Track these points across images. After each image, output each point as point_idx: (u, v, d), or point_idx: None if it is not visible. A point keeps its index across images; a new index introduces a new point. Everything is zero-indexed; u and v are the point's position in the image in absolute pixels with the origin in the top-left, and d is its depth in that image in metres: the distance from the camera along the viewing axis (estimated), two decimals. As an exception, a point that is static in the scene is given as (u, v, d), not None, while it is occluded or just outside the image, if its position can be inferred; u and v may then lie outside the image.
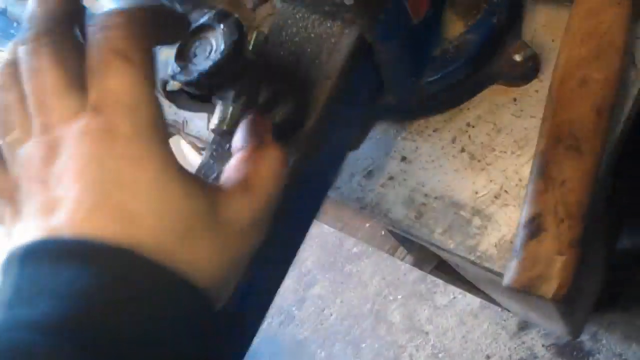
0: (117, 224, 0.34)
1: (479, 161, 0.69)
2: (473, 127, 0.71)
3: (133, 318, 0.32)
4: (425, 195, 0.70)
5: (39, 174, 0.35)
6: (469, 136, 0.70)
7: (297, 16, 0.60)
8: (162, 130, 0.38)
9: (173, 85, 0.49)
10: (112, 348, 0.31)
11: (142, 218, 0.35)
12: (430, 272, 1.40)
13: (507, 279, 0.61)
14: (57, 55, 0.37)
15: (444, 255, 0.80)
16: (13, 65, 0.38)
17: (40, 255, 0.33)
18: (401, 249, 1.44)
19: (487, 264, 0.66)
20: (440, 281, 1.92)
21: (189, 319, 0.35)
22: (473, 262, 0.67)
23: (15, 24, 0.98)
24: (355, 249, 2.09)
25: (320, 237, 2.13)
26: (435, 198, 0.70)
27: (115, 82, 0.36)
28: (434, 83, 0.68)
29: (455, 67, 0.67)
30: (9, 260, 0.34)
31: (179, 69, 0.48)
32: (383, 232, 1.47)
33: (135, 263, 0.34)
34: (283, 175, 0.44)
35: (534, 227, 0.61)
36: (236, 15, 0.49)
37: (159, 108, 0.38)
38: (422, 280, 1.98)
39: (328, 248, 2.13)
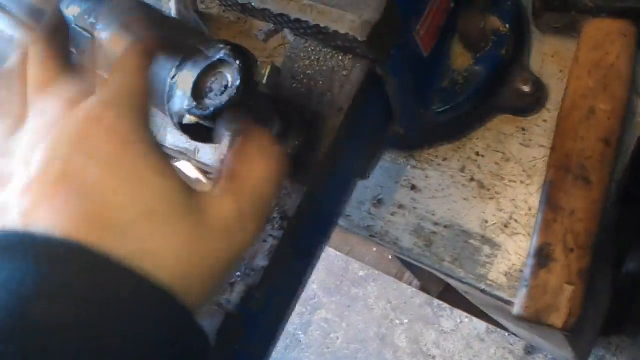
0: (74, 212, 0.32)
1: (488, 190, 0.70)
2: (482, 156, 0.71)
3: (64, 310, 0.29)
4: (435, 223, 0.71)
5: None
6: (478, 165, 0.71)
7: (309, 49, 0.61)
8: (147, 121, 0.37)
9: (189, 119, 0.50)
10: (39, 351, 0.28)
11: (103, 195, 0.32)
12: (438, 297, 1.40)
13: (517, 308, 0.62)
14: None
15: (453, 283, 0.81)
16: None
17: None
18: (408, 273, 1.44)
19: (497, 293, 0.67)
20: (446, 305, 1.92)
21: (136, 311, 0.31)
22: (483, 291, 0.68)
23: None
24: (361, 273, 2.09)
25: (326, 260, 2.13)
26: (445, 227, 0.70)
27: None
28: (443, 114, 0.69)
29: (464, 98, 0.68)
30: None
31: (194, 103, 0.49)
32: (390, 257, 1.47)
33: (76, 257, 0.31)
34: (278, 176, 0.41)
35: (544, 257, 0.61)
36: (250, 52, 0.50)
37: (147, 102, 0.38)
38: (428, 304, 1.97)
39: (334, 271, 2.13)
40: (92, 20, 0.63)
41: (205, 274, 0.35)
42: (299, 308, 2.10)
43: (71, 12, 0.65)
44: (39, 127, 0.36)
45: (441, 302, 1.91)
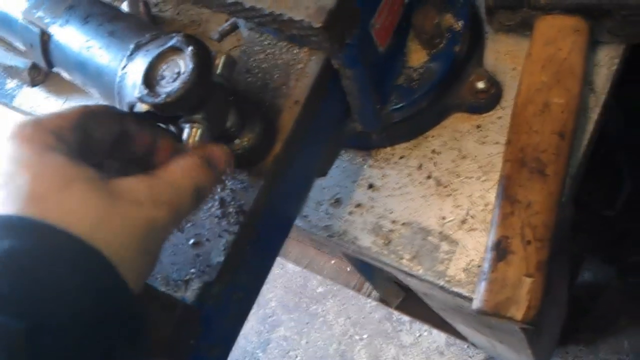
0: (5, 197, 0.40)
1: (445, 187, 0.70)
2: (438, 154, 0.71)
3: (5, 264, 0.36)
4: (393, 222, 0.70)
5: None
6: (435, 163, 0.71)
7: (264, 43, 0.61)
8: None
9: (140, 107, 0.48)
10: None
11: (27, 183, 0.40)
12: (396, 308, 1.40)
13: (477, 302, 0.61)
14: None
15: (412, 283, 0.80)
16: None
17: None
18: (367, 285, 1.44)
19: (456, 289, 0.66)
20: (405, 319, 1.91)
21: (62, 261, 0.38)
22: (442, 288, 0.67)
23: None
24: (320, 289, 2.08)
25: (284, 277, 2.11)
26: (403, 224, 0.70)
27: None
28: (399, 110, 0.69)
29: (419, 94, 0.68)
30: None
31: (146, 91, 0.48)
32: (349, 269, 1.46)
33: (7, 224, 0.38)
34: (195, 179, 0.47)
35: (502, 250, 0.61)
36: (202, 40, 0.49)
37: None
38: (387, 318, 1.97)
39: (292, 288, 2.11)
40: (40, 14, 0.62)
41: (121, 233, 0.41)
42: (257, 326, 2.07)
43: (19, 5, 0.63)
44: None
45: (400, 316, 1.90)
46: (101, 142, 0.46)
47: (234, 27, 0.77)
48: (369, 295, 1.49)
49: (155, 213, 0.43)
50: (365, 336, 1.99)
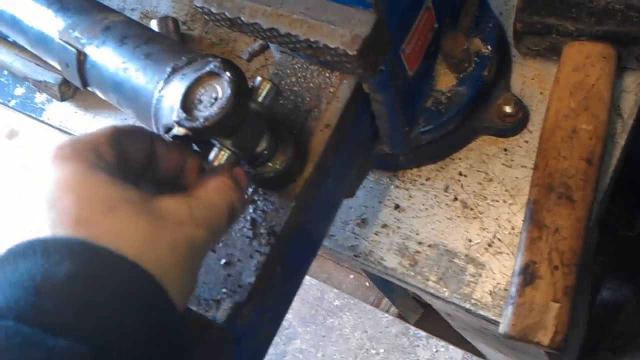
0: (55, 220, 0.41)
1: (471, 210, 0.70)
2: (465, 176, 0.72)
3: (65, 287, 0.37)
4: (419, 243, 0.71)
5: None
6: (462, 185, 0.72)
7: (296, 67, 0.62)
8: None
9: (178, 130, 0.49)
10: (47, 315, 0.36)
11: (73, 208, 0.41)
12: (415, 324, 1.40)
13: (503, 326, 0.62)
14: None
15: (437, 304, 0.80)
16: None
17: (8, 257, 0.39)
18: (385, 300, 1.44)
19: (482, 312, 0.67)
20: (422, 334, 1.91)
21: (117, 285, 0.39)
22: (468, 310, 0.68)
23: (5, 72, 0.98)
24: (336, 302, 2.07)
25: (301, 289, 2.10)
26: (429, 246, 0.70)
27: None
28: (426, 133, 0.69)
29: (447, 117, 0.69)
30: None
31: (184, 115, 0.49)
32: (367, 284, 1.46)
33: (59, 244, 0.39)
34: (229, 199, 0.48)
35: (529, 275, 0.62)
36: (238, 66, 0.50)
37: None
38: (404, 333, 1.96)
39: (309, 301, 2.11)
40: (76, 34, 0.63)
41: (166, 253, 0.42)
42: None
43: (56, 25, 0.64)
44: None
45: (417, 331, 1.89)
46: (135, 160, 0.48)
47: (264, 48, 0.78)
48: (387, 311, 1.49)
49: (196, 232, 0.44)
50: (381, 350, 1.99)
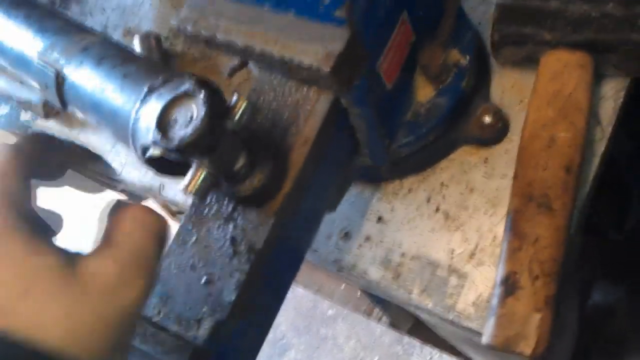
0: None
1: (453, 220, 0.71)
2: (447, 187, 0.72)
3: None
4: (402, 255, 0.71)
5: None
6: (443, 196, 0.72)
7: (274, 82, 0.62)
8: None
9: (153, 152, 0.49)
10: None
11: None
12: (407, 333, 1.40)
13: (486, 337, 0.62)
14: None
15: (422, 316, 0.81)
16: None
17: None
18: (377, 310, 1.44)
19: (465, 323, 0.67)
20: (416, 342, 1.91)
21: None
22: (451, 322, 0.68)
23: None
24: (330, 312, 2.07)
25: (294, 300, 2.11)
26: (412, 258, 0.70)
27: None
28: (407, 145, 0.70)
29: (427, 129, 0.69)
30: None
31: (159, 135, 0.49)
32: (359, 294, 1.46)
33: None
34: (151, 229, 0.44)
35: (510, 285, 0.62)
36: (215, 84, 0.51)
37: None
38: (397, 342, 1.96)
39: (302, 311, 2.11)
40: (55, 55, 0.63)
41: (95, 334, 0.37)
42: (267, 349, 2.08)
43: (35, 46, 0.64)
44: None
45: (410, 340, 1.89)
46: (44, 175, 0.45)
47: (244, 64, 0.78)
48: (379, 320, 1.49)
49: (129, 295, 0.40)
50: (375, 359, 1.99)
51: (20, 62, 0.67)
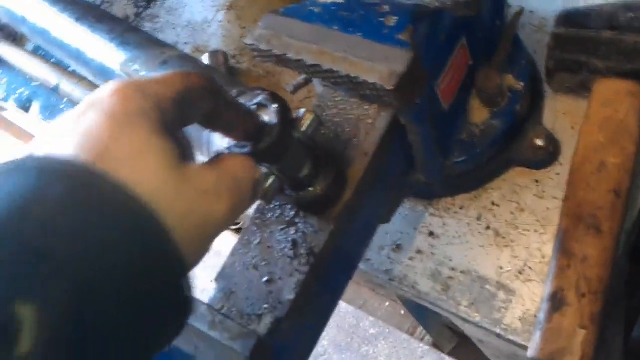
0: (77, 143, 0.38)
1: (503, 238, 0.73)
2: (497, 206, 0.75)
3: (58, 211, 0.34)
4: (452, 269, 0.74)
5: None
6: (494, 214, 0.75)
7: (337, 99, 0.66)
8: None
9: (228, 157, 0.53)
10: (34, 238, 0.33)
11: (105, 140, 0.39)
12: (449, 354, 1.41)
13: (532, 351, 0.64)
14: None
15: (468, 329, 0.83)
16: None
17: (2, 170, 0.37)
18: (420, 329, 1.46)
19: (512, 337, 0.69)
20: (456, 364, 1.91)
21: (120, 221, 0.36)
22: (498, 335, 0.70)
23: (64, 100, 1.05)
24: (372, 330, 2.09)
25: (338, 316, 2.13)
26: (462, 272, 0.73)
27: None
28: (461, 164, 0.73)
29: (480, 150, 0.72)
30: None
31: (234, 142, 0.53)
32: (403, 312, 1.48)
33: (73, 169, 0.37)
34: (250, 167, 0.48)
35: (557, 301, 0.64)
36: (284, 98, 0.55)
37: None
38: (439, 363, 1.96)
39: (345, 328, 2.13)
40: (136, 67, 0.69)
41: (181, 213, 0.40)
42: (309, 364, 2.09)
43: (117, 58, 0.70)
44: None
45: (451, 362, 1.90)
46: (191, 120, 0.46)
47: (307, 81, 0.83)
48: (422, 340, 1.50)
49: (216, 205, 0.43)
50: (415, 380, 1.99)
51: (102, 72, 0.73)
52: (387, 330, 2.05)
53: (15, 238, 0.33)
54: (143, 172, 0.39)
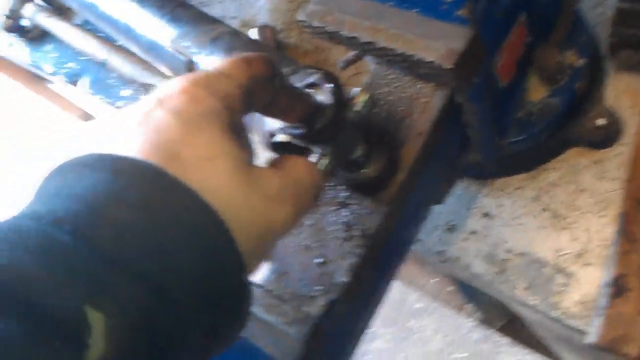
0: (148, 143, 0.38)
1: (561, 220, 0.71)
2: (556, 186, 0.73)
3: (133, 215, 0.35)
4: (508, 251, 0.72)
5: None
6: (551, 195, 0.72)
7: (390, 77, 0.64)
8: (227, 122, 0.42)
9: (281, 137, 0.53)
10: (108, 242, 0.33)
11: (180, 144, 0.38)
12: (499, 330, 1.39)
13: (592, 337, 0.62)
14: None
15: (523, 312, 0.81)
16: None
17: (72, 166, 0.37)
18: (469, 306, 1.44)
19: (569, 322, 0.67)
20: (504, 341, 1.89)
21: (191, 228, 0.36)
22: (555, 319, 0.68)
23: (113, 74, 1.05)
24: (417, 305, 2.08)
25: (383, 291, 2.13)
26: (518, 254, 0.71)
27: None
28: (517, 143, 0.70)
29: (538, 129, 0.70)
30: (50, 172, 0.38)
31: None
32: (449, 289, 1.47)
33: (148, 173, 0.37)
34: (313, 169, 0.48)
35: (619, 287, 0.62)
36: (337, 77, 0.53)
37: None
38: (485, 339, 1.95)
39: (390, 303, 2.12)
40: (186, 44, 0.68)
41: (247, 220, 0.40)
42: (354, 338, 2.10)
43: (167, 35, 0.69)
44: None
45: (499, 338, 1.88)
46: (252, 109, 0.46)
47: (358, 58, 0.81)
48: (470, 317, 1.49)
49: (279, 212, 0.43)
50: (462, 355, 1.99)
51: (152, 48, 0.72)
52: (433, 306, 2.04)
53: (90, 241, 0.33)
54: (213, 178, 0.39)
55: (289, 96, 0.48)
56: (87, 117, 1.84)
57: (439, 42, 0.54)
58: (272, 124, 0.55)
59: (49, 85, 1.30)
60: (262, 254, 0.43)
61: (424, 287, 1.47)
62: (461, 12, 0.55)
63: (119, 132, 0.40)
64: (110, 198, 0.35)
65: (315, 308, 0.56)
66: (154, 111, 0.40)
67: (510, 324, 1.41)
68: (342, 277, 0.58)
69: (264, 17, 0.98)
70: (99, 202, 0.35)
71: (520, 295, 0.69)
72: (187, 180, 0.37)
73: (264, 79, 0.45)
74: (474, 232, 0.74)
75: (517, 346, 1.85)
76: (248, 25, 0.98)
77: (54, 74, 1.08)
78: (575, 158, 0.73)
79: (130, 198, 0.35)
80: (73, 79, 1.06)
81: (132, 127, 0.39)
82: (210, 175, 0.39)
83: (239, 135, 0.43)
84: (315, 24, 0.59)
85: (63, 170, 0.37)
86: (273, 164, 0.47)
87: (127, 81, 1.03)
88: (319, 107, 0.51)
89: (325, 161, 0.53)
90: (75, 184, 0.36)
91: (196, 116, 0.40)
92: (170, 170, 0.37)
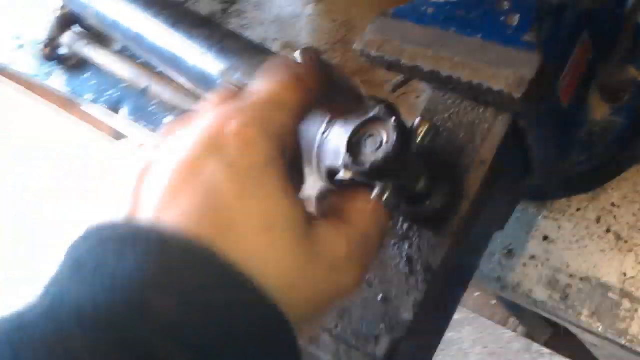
0: (198, 210, 0.34)
1: (626, 242, 0.68)
2: (618, 207, 0.70)
3: (182, 312, 0.31)
4: (570, 276, 0.69)
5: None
6: (614, 216, 0.70)
7: (448, 102, 0.62)
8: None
9: (344, 174, 0.51)
10: (155, 341, 0.30)
11: (228, 212, 0.35)
12: (545, 345, 1.36)
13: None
14: None
15: (588, 338, 0.79)
16: None
17: (111, 241, 0.33)
18: (513, 319, 1.41)
19: (638, 349, 0.65)
20: (545, 351, 1.86)
21: (239, 312, 0.33)
22: (623, 347, 0.66)
23: (154, 102, 1.04)
24: (456, 316, 2.05)
25: (420, 302, 2.10)
26: (581, 279, 0.69)
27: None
28: (580, 164, 0.68)
29: (601, 148, 0.68)
30: (82, 237, 0.35)
31: (351, 159, 0.50)
32: (493, 302, 1.44)
33: (202, 258, 0.33)
34: (380, 216, 0.43)
35: (695, 315, 0.59)
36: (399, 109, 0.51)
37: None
38: (526, 349, 1.92)
39: (428, 314, 2.10)
40: (237, 77, 0.66)
41: (304, 299, 0.37)
42: (392, 350, 2.08)
43: (217, 67, 0.68)
44: (190, 129, 0.38)
45: (540, 348, 1.85)
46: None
47: (407, 80, 0.79)
48: (514, 330, 1.46)
49: (347, 276, 0.39)
50: (502, 366, 1.95)
51: (201, 79, 0.71)
52: (472, 316, 2.00)
53: (132, 340, 0.30)
54: (270, 252, 0.35)
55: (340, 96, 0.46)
56: (118, 135, 1.84)
57: (507, 70, 0.52)
58: (333, 159, 0.53)
59: (85, 109, 1.30)
60: (324, 316, 0.42)
61: (466, 300, 1.45)
62: (527, 37, 0.53)
63: (162, 189, 0.36)
64: (155, 287, 0.31)
65: (379, 348, 0.55)
66: (203, 163, 0.35)
67: (555, 337, 1.38)
68: (406, 315, 0.56)
69: (305, 38, 0.96)
70: (141, 293, 0.31)
71: (585, 322, 0.67)
72: (242, 254, 0.34)
73: (320, 94, 0.42)
74: (533, 257, 0.72)
75: (558, 355, 1.81)
76: (290, 47, 0.97)
77: (94, 100, 1.07)
78: (638, 176, 0.71)
79: (176, 288, 0.32)
80: (114, 106, 1.05)
81: (178, 185, 0.35)
82: (267, 249, 0.35)
83: (293, 176, 0.39)
84: (373, 53, 0.58)
85: (102, 240, 0.33)
86: (334, 211, 0.43)
87: (168, 108, 1.02)
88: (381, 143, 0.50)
89: (389, 197, 0.51)
90: (115, 268, 0.32)
91: (251, 170, 0.36)
92: (222, 245, 0.33)
